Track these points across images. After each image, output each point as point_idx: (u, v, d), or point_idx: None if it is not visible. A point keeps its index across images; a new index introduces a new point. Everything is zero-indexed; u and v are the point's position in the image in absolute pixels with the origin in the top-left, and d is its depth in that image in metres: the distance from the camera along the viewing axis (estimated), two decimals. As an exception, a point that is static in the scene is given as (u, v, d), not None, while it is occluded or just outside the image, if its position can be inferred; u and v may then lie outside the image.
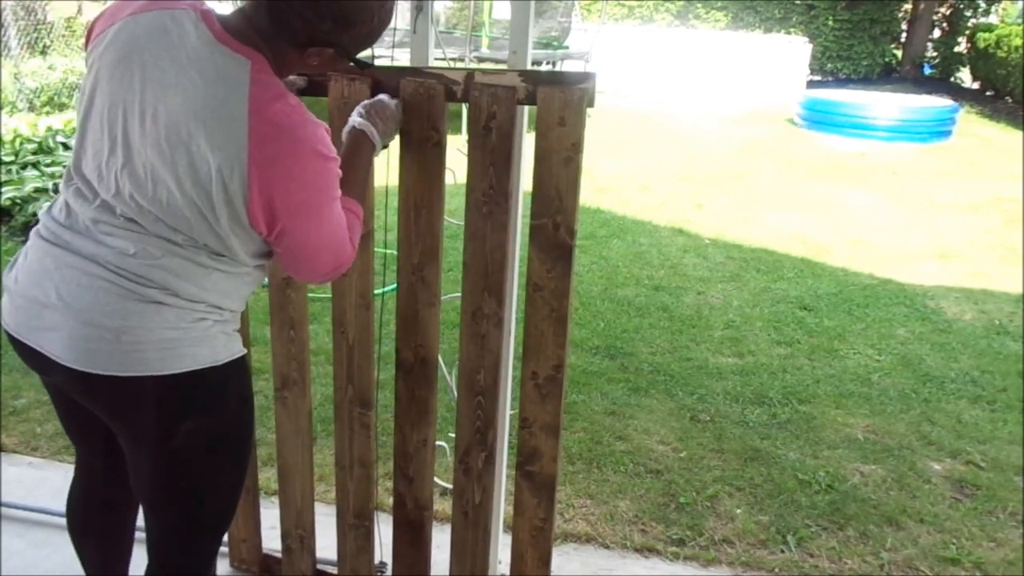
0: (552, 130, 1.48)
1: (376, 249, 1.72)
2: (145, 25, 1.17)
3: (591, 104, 1.46)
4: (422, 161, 1.58)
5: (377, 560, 1.96)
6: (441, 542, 1.91)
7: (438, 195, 1.61)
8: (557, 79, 1.49)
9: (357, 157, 1.43)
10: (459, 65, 1.90)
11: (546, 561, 1.76)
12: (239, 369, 1.34)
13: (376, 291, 1.74)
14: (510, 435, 1.92)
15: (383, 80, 1.57)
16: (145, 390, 1.23)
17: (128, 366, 1.20)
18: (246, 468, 1.46)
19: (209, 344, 1.26)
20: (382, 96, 1.51)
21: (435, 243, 1.64)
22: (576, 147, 1.48)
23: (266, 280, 1.86)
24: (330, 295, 1.74)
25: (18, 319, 1.25)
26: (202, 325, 1.25)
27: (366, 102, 1.49)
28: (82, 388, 1.26)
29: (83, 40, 1.30)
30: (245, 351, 1.36)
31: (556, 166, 1.49)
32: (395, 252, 1.67)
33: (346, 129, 1.45)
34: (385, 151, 1.52)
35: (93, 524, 1.59)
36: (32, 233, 1.28)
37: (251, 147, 1.11)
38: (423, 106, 1.55)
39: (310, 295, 1.87)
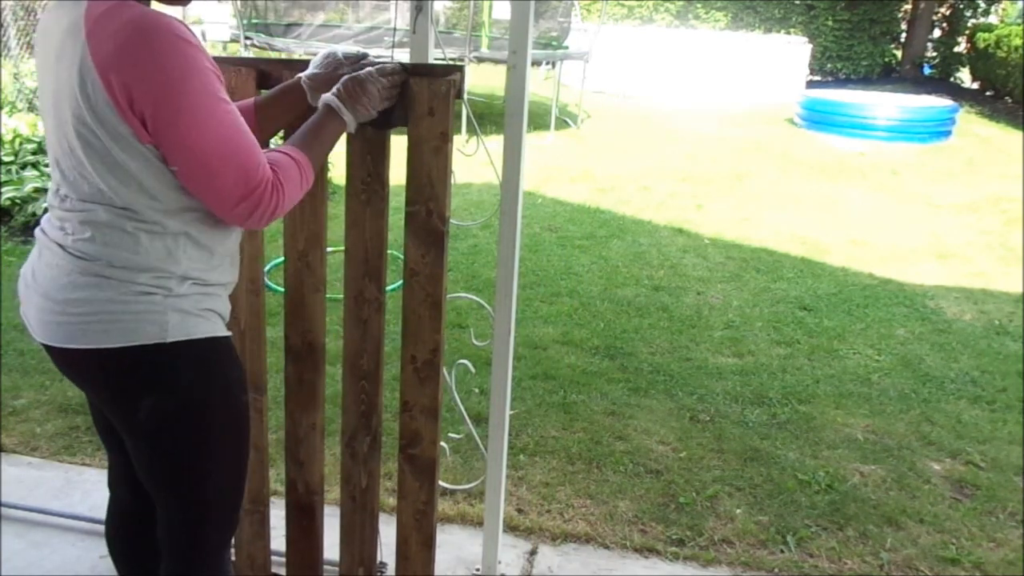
0: (423, 120, 1.52)
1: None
2: (46, 15, 1.28)
3: (459, 96, 1.51)
4: None
5: (378, 560, 1.97)
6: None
7: (320, 182, 1.63)
8: (427, 71, 1.52)
9: (319, 130, 1.39)
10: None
11: (429, 545, 1.79)
12: (200, 350, 1.29)
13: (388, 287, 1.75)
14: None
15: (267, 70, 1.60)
16: (93, 363, 1.27)
17: (74, 338, 1.25)
18: (236, 455, 1.41)
19: (155, 321, 1.24)
20: (364, 72, 1.44)
21: (319, 229, 1.68)
22: (444, 136, 1.52)
23: None
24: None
25: (20, 299, 1.36)
26: (147, 299, 1.24)
27: (346, 77, 1.44)
28: (53, 361, 1.34)
29: None
30: (212, 333, 1.31)
31: (427, 155, 1.54)
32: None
33: (320, 103, 1.42)
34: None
35: (123, 534, 1.61)
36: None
37: (91, 48, 1.15)
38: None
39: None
